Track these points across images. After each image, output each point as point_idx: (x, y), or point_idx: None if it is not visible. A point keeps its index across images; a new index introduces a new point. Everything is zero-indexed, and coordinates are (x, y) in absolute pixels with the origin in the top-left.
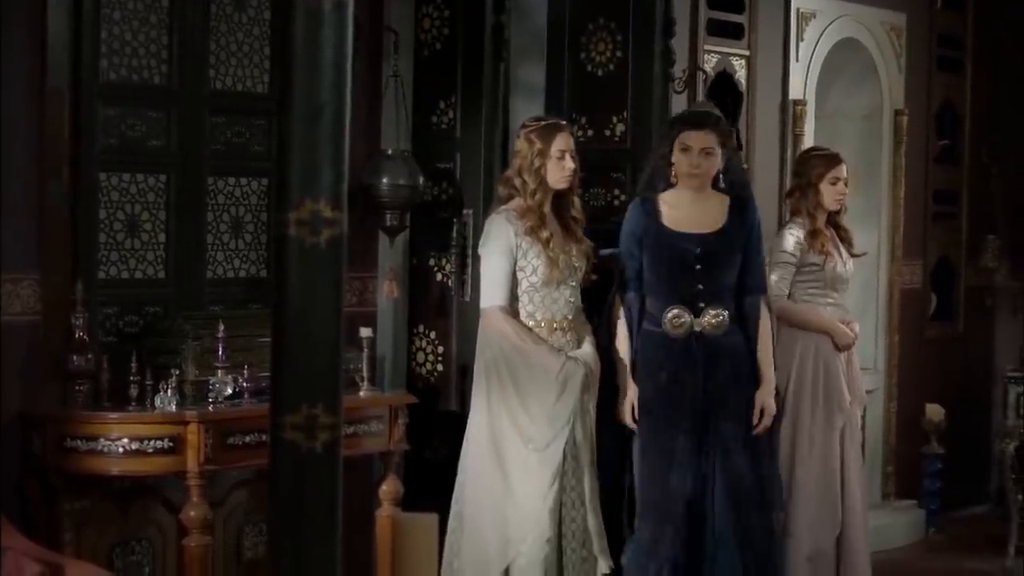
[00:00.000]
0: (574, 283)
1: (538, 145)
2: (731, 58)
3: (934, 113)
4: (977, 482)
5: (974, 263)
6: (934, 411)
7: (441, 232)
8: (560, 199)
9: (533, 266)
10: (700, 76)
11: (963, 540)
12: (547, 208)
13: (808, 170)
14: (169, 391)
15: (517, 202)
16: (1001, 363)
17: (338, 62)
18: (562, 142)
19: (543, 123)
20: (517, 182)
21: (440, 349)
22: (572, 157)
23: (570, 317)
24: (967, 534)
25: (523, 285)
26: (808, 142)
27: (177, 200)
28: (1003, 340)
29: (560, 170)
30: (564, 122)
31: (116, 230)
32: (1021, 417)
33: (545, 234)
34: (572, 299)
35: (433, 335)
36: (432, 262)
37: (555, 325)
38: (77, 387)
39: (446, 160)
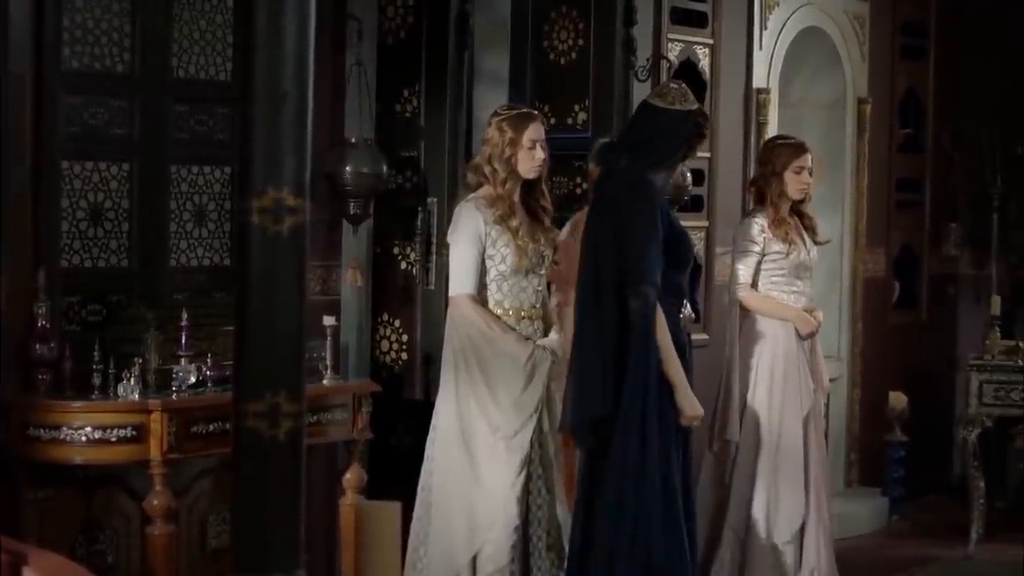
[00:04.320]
0: (542, 272)
1: (509, 134)
2: (695, 46)
3: (897, 101)
4: (940, 469)
5: (937, 251)
6: (897, 399)
7: (405, 220)
8: (528, 188)
9: (502, 255)
10: (664, 64)
11: (926, 527)
12: (516, 197)
13: (772, 159)
14: (132, 380)
15: (486, 190)
16: (963, 351)
17: (301, 50)
18: (534, 132)
19: (515, 112)
20: (487, 170)
21: (404, 337)
22: (543, 147)
23: (538, 306)
24: (930, 521)
25: (491, 274)
26: (772, 131)
27: (140, 188)
28: (965, 328)
29: (531, 160)
30: (536, 112)
31: (79, 218)
32: (983, 405)
33: (514, 223)
34: (540, 288)
35: (397, 323)
36: (396, 250)
37: (523, 313)
38: (40, 376)
39: (410, 148)
